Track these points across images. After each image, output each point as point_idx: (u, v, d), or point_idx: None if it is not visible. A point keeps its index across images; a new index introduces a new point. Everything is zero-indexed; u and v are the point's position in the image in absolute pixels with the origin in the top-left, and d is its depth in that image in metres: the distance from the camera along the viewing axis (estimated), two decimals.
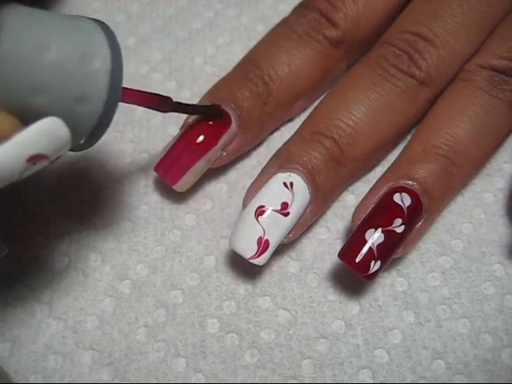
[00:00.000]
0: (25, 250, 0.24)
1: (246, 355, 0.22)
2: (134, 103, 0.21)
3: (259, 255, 0.22)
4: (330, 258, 0.24)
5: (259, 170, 0.24)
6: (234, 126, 0.24)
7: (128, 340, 0.22)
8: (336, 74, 0.27)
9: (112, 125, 0.27)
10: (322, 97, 0.26)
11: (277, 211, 0.22)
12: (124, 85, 0.19)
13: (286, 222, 0.22)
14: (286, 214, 0.22)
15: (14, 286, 0.24)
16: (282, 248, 0.24)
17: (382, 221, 0.22)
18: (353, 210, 0.23)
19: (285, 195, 0.22)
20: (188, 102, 0.23)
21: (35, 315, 0.23)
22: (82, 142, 0.19)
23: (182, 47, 0.30)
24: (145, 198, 0.26)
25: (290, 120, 0.27)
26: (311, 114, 0.25)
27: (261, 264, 0.22)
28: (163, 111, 0.22)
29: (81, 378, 0.22)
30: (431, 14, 0.24)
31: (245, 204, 0.23)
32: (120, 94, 0.19)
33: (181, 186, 0.24)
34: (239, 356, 0.22)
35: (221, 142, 0.24)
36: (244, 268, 0.24)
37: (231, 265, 0.24)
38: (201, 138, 0.24)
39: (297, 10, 0.27)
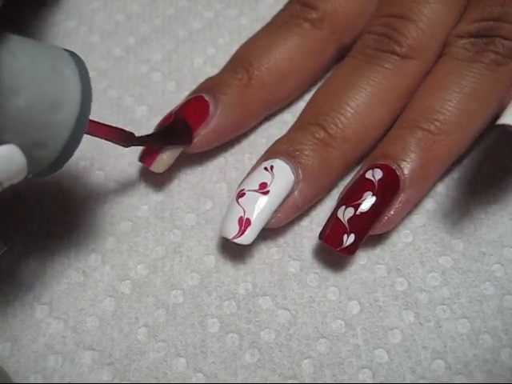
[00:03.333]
0: (25, 250, 0.24)
1: (246, 355, 0.22)
2: (96, 136, 0.21)
3: (241, 234, 0.22)
4: (331, 257, 0.24)
5: None
6: (210, 107, 0.24)
7: (128, 340, 0.22)
8: (325, 56, 0.27)
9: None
10: (315, 82, 0.27)
11: (255, 191, 0.22)
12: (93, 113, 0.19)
13: (266, 200, 0.22)
14: (266, 193, 0.22)
15: (14, 286, 0.24)
16: (282, 247, 0.24)
17: (353, 197, 0.22)
18: None
19: (264, 177, 0.23)
20: (148, 133, 0.24)
21: (35, 315, 0.23)
22: (40, 170, 0.19)
23: (182, 47, 0.30)
24: (145, 199, 0.26)
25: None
26: (299, 116, 0.25)
27: (245, 243, 0.22)
28: (125, 146, 0.22)
29: (81, 378, 0.22)
30: None
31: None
32: (81, 137, 0.19)
33: (156, 165, 0.24)
34: (239, 356, 0.22)
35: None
36: (244, 268, 0.24)
37: (231, 265, 0.24)
38: (169, 116, 0.25)
39: (280, 10, 0.27)
